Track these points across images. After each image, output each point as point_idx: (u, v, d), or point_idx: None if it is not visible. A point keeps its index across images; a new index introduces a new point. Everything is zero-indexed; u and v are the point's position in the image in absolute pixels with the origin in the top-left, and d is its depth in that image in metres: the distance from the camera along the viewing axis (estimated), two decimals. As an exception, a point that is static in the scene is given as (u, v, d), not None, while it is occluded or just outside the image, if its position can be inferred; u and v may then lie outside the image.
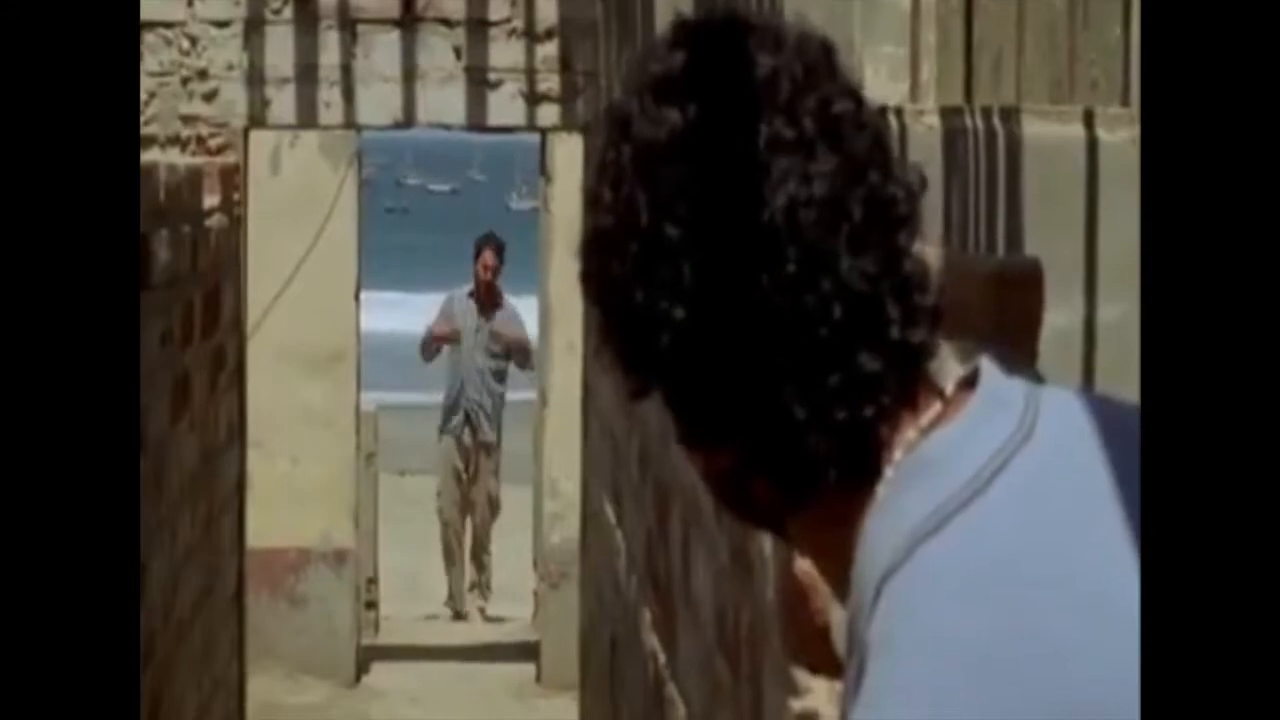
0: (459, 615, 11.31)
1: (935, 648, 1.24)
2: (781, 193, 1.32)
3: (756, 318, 1.32)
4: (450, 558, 11.31)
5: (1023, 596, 1.25)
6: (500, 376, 11.13)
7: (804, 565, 2.16)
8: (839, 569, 1.37)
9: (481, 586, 11.28)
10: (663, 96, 1.36)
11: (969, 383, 1.38)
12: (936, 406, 1.36)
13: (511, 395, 11.55)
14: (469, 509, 11.23)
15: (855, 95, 1.38)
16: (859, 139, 1.36)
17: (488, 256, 10.98)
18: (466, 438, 11.13)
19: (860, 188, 1.34)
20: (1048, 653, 1.24)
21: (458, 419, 11.12)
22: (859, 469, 1.35)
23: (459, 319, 11.08)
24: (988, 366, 1.39)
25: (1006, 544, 1.28)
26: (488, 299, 11.03)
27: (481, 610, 11.31)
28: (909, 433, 1.35)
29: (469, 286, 11.15)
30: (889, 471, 1.34)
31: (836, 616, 1.96)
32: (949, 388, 1.38)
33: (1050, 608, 1.25)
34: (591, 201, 1.40)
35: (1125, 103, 3.49)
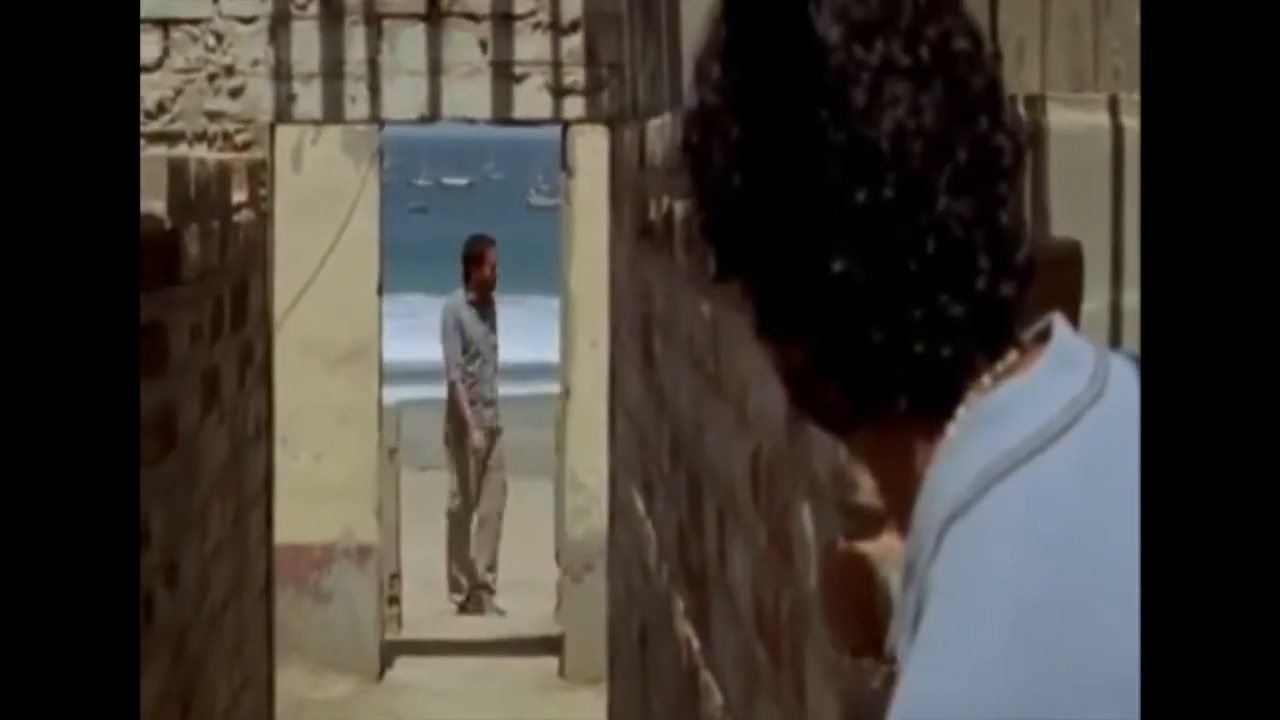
0: (465, 608, 11.36)
1: (986, 607, 1.25)
2: (889, 117, 1.31)
3: (847, 235, 1.32)
4: (451, 548, 11.39)
5: (1076, 565, 1.25)
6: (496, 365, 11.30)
7: (847, 547, 2.17)
8: (899, 497, 1.37)
9: (487, 586, 11.35)
10: None
11: (1042, 337, 1.38)
12: (1013, 355, 1.36)
13: (532, 390, 11.54)
14: (474, 499, 11.33)
15: (976, 35, 1.36)
16: (974, 80, 1.34)
17: (491, 256, 11.10)
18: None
19: (968, 130, 1.33)
20: (1091, 625, 1.24)
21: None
22: (931, 404, 1.35)
23: (467, 328, 11.20)
24: (1060, 323, 1.38)
25: (1067, 505, 1.28)
26: (485, 299, 11.14)
27: (490, 602, 11.38)
28: (984, 378, 1.35)
29: (460, 292, 11.27)
30: (961, 412, 1.34)
31: (883, 593, 1.97)
32: (1026, 339, 1.37)
33: (1100, 580, 1.25)
34: (700, 73, 1.38)
35: (1150, 91, 3.49)
